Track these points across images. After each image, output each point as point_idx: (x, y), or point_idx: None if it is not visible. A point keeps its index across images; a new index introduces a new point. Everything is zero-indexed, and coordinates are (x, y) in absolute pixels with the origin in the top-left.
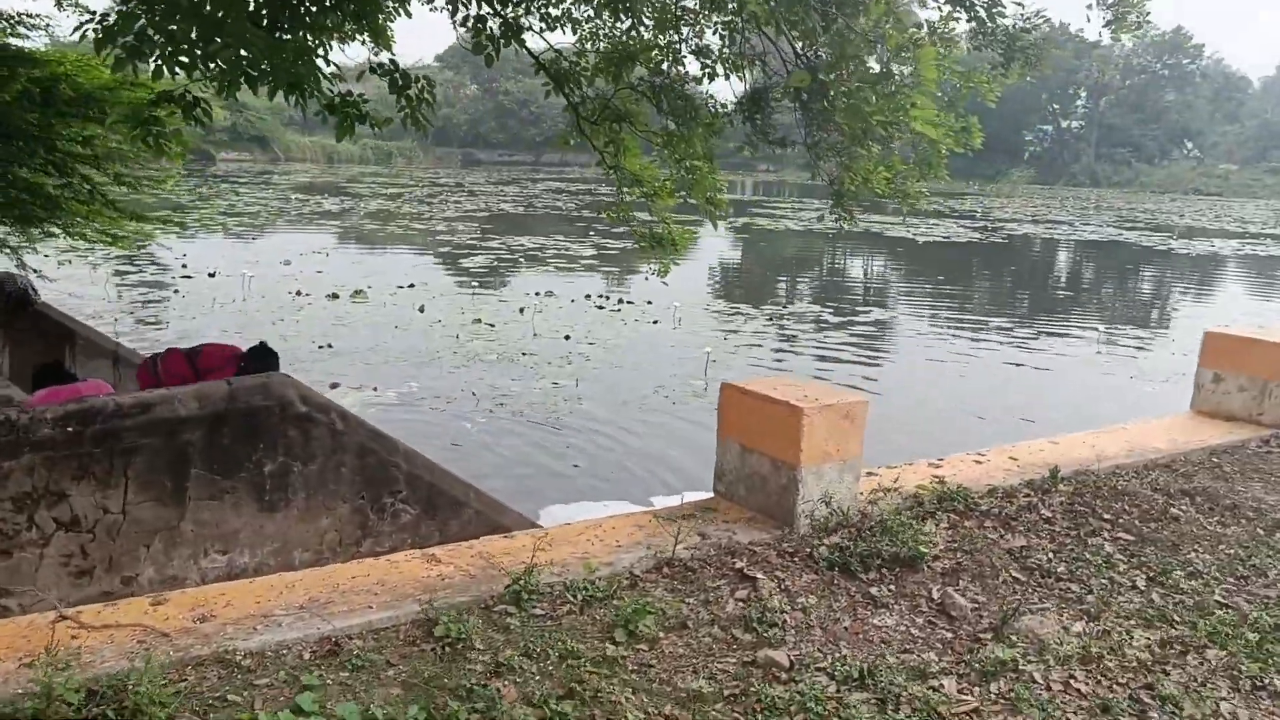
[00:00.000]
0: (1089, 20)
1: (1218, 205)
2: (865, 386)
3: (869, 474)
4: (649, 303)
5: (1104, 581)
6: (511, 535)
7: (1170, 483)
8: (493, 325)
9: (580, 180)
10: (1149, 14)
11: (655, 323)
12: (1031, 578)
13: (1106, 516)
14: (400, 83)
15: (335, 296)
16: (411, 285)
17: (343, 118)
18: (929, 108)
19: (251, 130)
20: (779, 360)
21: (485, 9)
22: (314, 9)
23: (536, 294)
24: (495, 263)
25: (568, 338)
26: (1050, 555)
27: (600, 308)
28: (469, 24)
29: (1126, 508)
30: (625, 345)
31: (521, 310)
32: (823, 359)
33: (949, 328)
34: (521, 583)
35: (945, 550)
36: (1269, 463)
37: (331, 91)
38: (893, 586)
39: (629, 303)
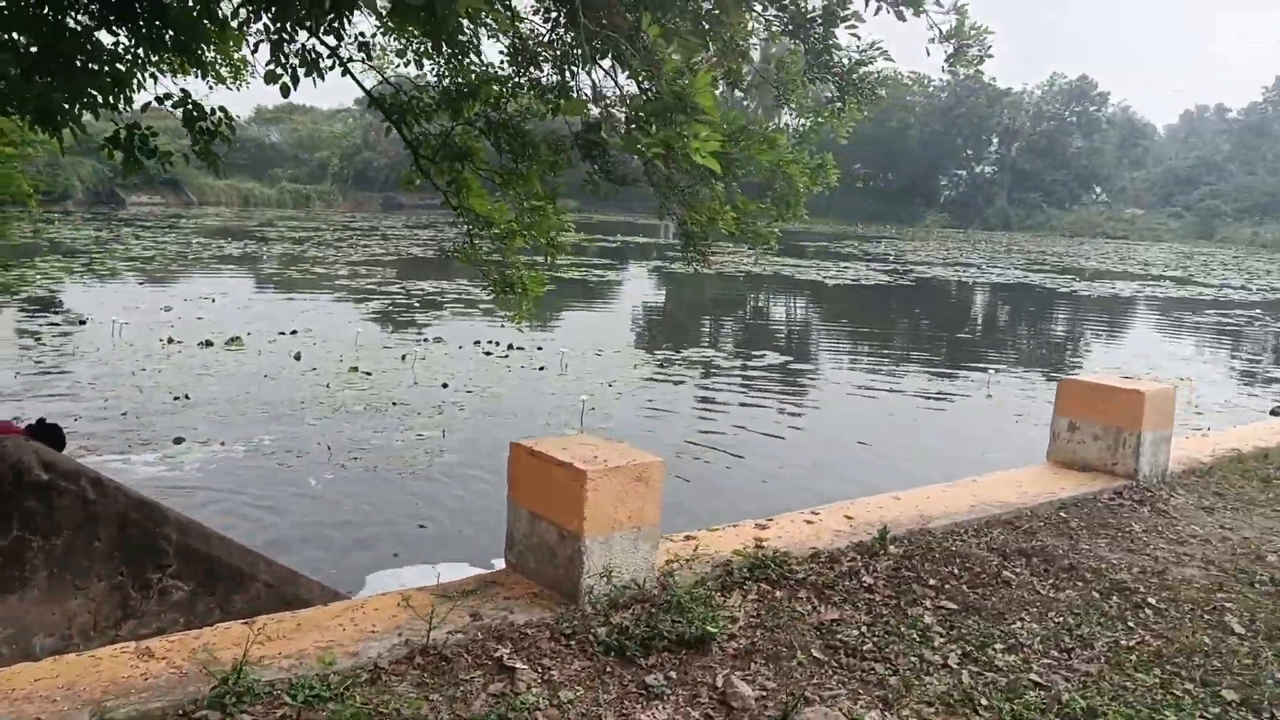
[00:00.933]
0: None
1: (1123, 248)
2: (745, 429)
3: (687, 538)
4: (539, 349)
5: (913, 660)
6: (251, 621)
7: (1009, 541)
8: (369, 374)
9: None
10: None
11: (541, 369)
12: (834, 657)
13: (932, 583)
14: (194, 115)
15: (209, 344)
16: (294, 332)
17: (126, 153)
18: (712, 138)
19: (163, 174)
20: (660, 408)
21: (288, 33)
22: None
23: (424, 340)
24: (389, 308)
25: (445, 385)
26: (862, 630)
27: (488, 354)
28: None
29: (956, 572)
30: (505, 393)
31: (404, 357)
32: (707, 404)
33: (846, 369)
34: (230, 683)
35: (745, 627)
36: (1118, 516)
37: (117, 125)
38: (674, 673)
39: (518, 348)
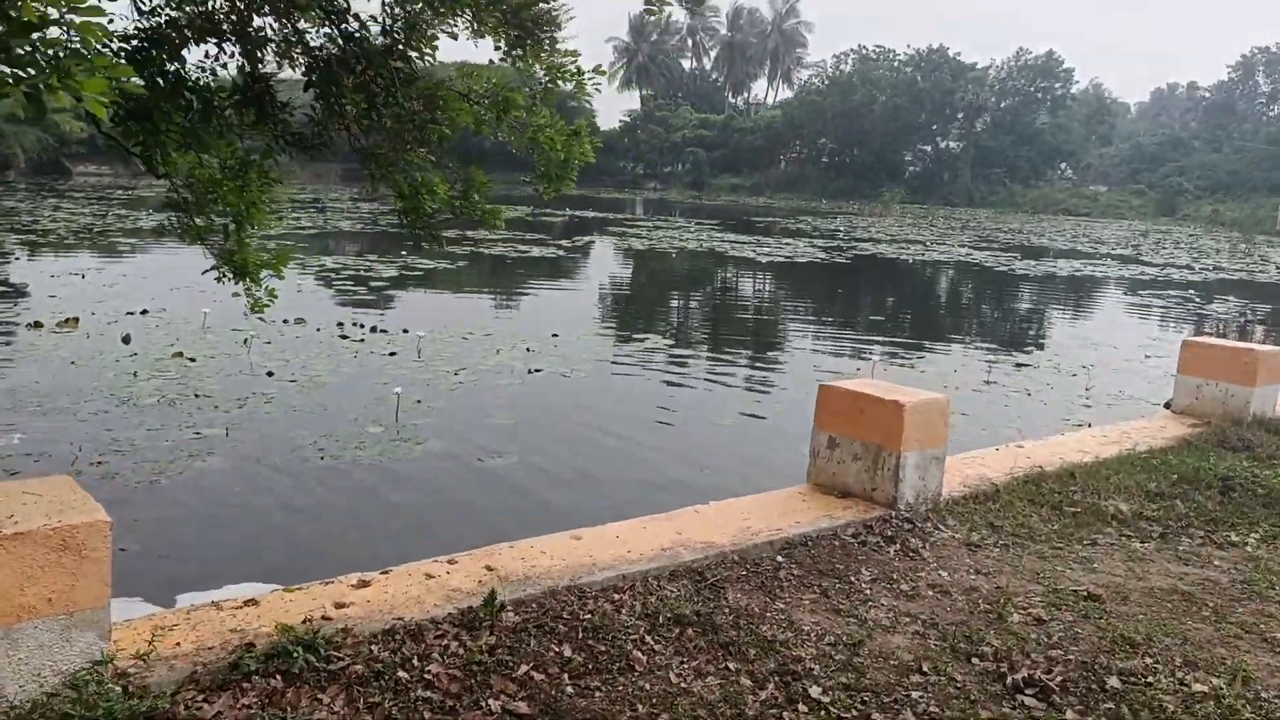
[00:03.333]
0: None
1: (1082, 225)
2: (590, 426)
3: (248, 603)
4: (404, 331)
5: None
6: None
7: (680, 601)
8: (193, 360)
9: None
10: None
11: (393, 354)
12: None
13: (523, 670)
14: None
15: (37, 325)
16: (144, 311)
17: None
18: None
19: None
20: (494, 403)
21: None
22: None
23: (285, 321)
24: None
25: (271, 374)
26: None
27: (345, 336)
28: None
29: (568, 652)
30: (333, 383)
31: (245, 341)
32: (544, 394)
33: (714, 356)
34: None
35: None
36: (852, 560)
37: None
38: None
39: (381, 330)
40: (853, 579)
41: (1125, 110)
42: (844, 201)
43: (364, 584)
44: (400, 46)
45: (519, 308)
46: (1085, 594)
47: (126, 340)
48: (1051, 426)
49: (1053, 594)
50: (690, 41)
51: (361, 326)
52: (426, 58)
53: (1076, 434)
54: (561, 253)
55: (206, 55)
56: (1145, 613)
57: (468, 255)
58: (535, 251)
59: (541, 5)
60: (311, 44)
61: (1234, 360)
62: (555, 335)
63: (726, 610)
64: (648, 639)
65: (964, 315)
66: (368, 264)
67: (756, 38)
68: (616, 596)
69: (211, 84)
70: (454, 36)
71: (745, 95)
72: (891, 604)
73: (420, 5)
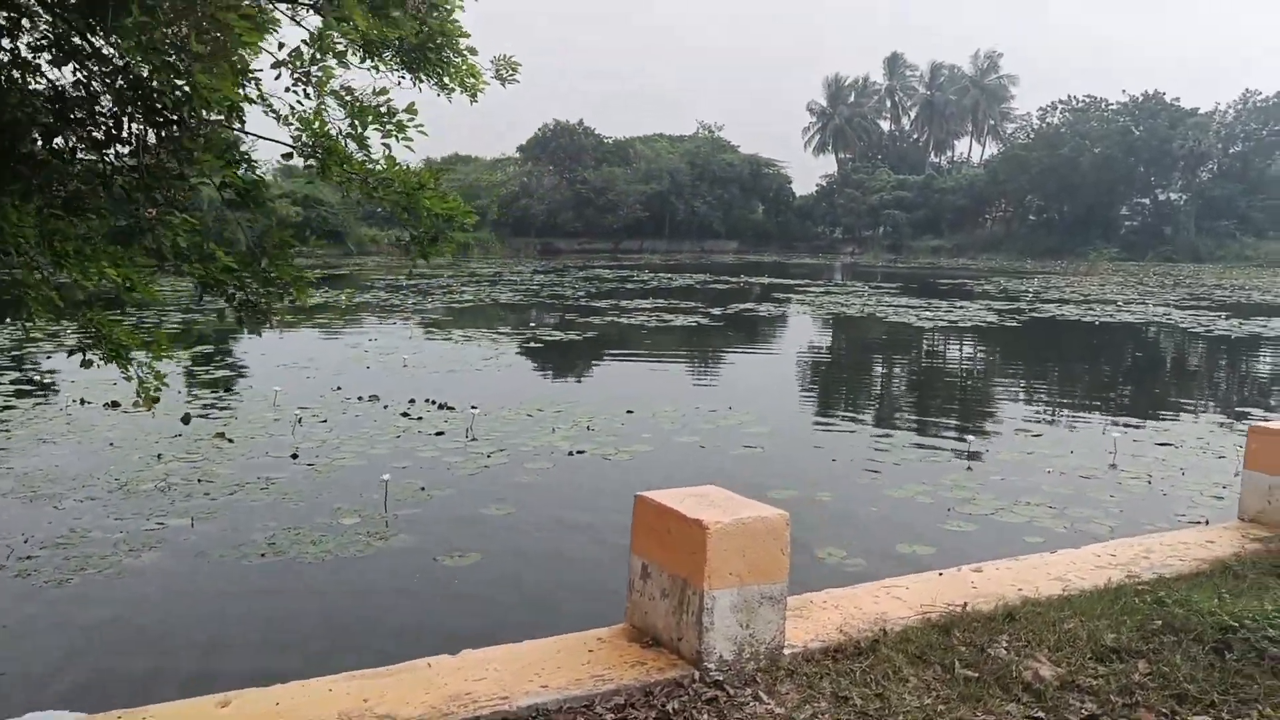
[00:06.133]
0: None
1: None
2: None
3: None
4: (473, 408)
5: None
6: None
7: None
8: (231, 441)
9: (637, 265)
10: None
11: (439, 434)
12: None
13: None
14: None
15: (114, 405)
16: (228, 388)
17: None
18: None
19: (325, 225)
20: (512, 482)
21: None
22: None
23: (360, 399)
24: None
25: (295, 457)
26: None
27: (405, 414)
28: None
29: None
30: (352, 466)
31: (299, 420)
32: (595, 473)
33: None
34: None
35: None
36: None
37: None
38: None
39: (448, 408)
40: None
41: None
42: (1051, 261)
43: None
44: None
45: (610, 381)
46: None
47: (186, 420)
48: (1153, 525)
49: None
50: (889, 102)
51: (431, 403)
52: None
53: (1074, 552)
54: (706, 321)
55: None
56: None
57: (600, 326)
58: (678, 321)
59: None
60: None
61: None
62: (630, 411)
63: None
64: None
65: (1125, 381)
66: (493, 339)
67: (956, 94)
68: None
69: None
70: None
71: (948, 154)
72: None
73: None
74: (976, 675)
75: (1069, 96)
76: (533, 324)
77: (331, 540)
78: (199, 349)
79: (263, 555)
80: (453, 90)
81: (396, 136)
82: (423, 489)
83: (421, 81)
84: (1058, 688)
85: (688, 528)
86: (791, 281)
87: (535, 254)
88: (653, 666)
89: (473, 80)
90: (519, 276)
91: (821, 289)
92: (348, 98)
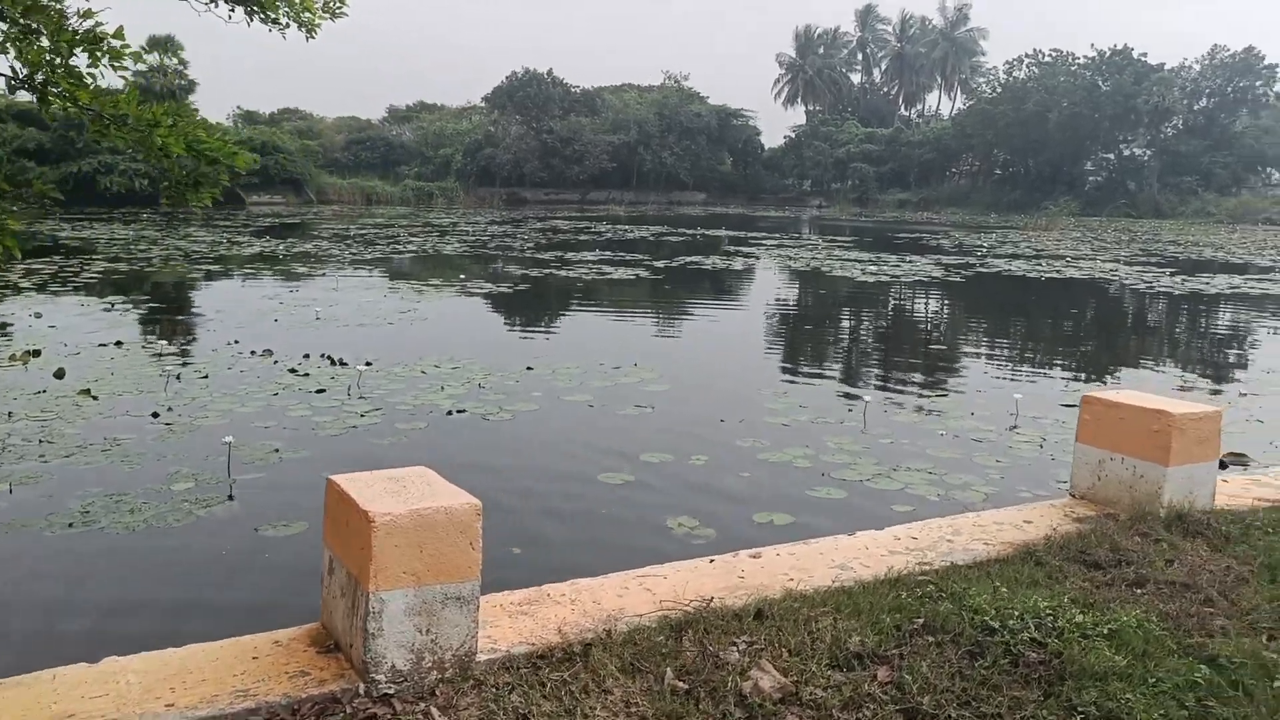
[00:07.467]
0: None
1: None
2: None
3: None
4: (367, 363)
5: None
6: None
7: None
8: (96, 399)
9: (599, 217)
10: None
11: (320, 391)
12: None
13: None
14: None
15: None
16: (119, 343)
17: None
18: None
19: (283, 173)
20: (373, 445)
21: None
22: None
23: (253, 353)
24: (278, 306)
25: (156, 415)
26: None
27: (293, 370)
28: None
29: None
30: (212, 427)
31: (178, 377)
32: (460, 438)
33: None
34: None
35: None
36: None
37: None
38: None
39: (341, 363)
40: None
41: None
42: (1015, 215)
43: None
44: None
45: (521, 337)
46: None
47: (59, 375)
48: (1030, 493)
49: None
50: (860, 55)
51: (326, 359)
52: None
53: (873, 535)
54: (645, 274)
55: None
56: None
57: (536, 279)
58: (617, 274)
59: None
60: None
61: (1142, 425)
62: (530, 369)
63: None
64: None
65: (1050, 340)
66: (417, 291)
67: (926, 47)
68: None
69: None
70: None
71: (918, 108)
72: None
73: None
74: (687, 687)
75: (1035, 50)
76: (463, 276)
77: (152, 508)
78: (108, 298)
79: (70, 525)
80: (286, 26)
81: (112, 65)
82: (276, 451)
83: (251, 15)
84: (776, 701)
85: (358, 519)
86: (750, 234)
87: (500, 204)
88: (315, 678)
89: (308, 15)
90: (473, 227)
91: (776, 242)
92: (52, 22)
